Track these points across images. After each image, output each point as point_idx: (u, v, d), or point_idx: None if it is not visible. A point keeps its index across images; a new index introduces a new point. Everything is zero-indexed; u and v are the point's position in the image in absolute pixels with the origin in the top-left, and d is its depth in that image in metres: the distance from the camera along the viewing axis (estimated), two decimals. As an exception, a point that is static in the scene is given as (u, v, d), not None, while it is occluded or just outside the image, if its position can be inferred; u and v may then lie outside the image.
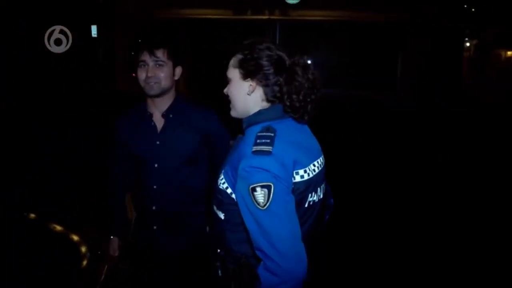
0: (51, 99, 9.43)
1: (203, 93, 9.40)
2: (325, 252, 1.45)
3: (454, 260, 3.15)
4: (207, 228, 1.84)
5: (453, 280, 2.92)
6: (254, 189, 1.11)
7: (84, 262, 1.60)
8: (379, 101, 10.86)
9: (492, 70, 11.23)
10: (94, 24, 11.00)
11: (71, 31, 6.00)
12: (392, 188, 4.71)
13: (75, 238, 1.87)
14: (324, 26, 12.60)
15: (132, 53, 1.84)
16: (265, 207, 1.10)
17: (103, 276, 1.53)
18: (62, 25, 5.87)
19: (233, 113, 1.33)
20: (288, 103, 1.22)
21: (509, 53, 11.26)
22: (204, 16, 11.58)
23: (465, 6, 10.14)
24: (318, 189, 1.28)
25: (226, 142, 1.80)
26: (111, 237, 1.84)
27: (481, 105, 10.07)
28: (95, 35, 10.97)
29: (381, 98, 11.28)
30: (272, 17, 11.54)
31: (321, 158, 1.31)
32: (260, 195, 1.10)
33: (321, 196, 1.31)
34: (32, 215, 2.16)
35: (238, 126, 1.37)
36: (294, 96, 1.20)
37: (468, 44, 11.46)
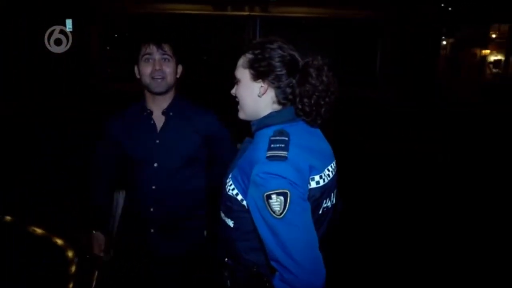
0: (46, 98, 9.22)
1: (183, 89, 9.24)
2: (330, 257, 1.39)
3: (454, 259, 3.17)
4: (205, 232, 1.78)
5: (452, 279, 2.93)
6: (269, 197, 1.04)
7: (73, 268, 1.50)
8: (359, 98, 10.95)
9: (467, 68, 11.49)
10: (68, 18, 10.69)
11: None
12: (382, 185, 4.74)
13: (60, 242, 1.76)
14: (304, 23, 12.61)
15: (135, 45, 1.73)
16: (281, 216, 1.03)
17: (94, 283, 1.43)
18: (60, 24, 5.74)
19: (241, 115, 1.25)
20: (300, 106, 1.15)
21: (484, 51, 11.54)
22: (183, 11, 11.41)
23: (442, 5, 10.32)
24: (332, 194, 1.23)
25: (227, 144, 1.75)
26: (93, 232, 1.78)
27: (455, 104, 10.29)
28: (70, 29, 10.65)
29: (361, 95, 11.38)
30: (252, 13, 11.47)
31: (333, 163, 1.25)
32: (275, 203, 1.03)
33: (334, 202, 1.26)
34: (8, 218, 2.02)
35: (245, 128, 1.30)
36: (306, 100, 1.14)
37: (444, 42, 11.69)
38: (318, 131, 1.26)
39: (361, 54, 12.67)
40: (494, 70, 11.88)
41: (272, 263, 1.07)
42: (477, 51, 11.65)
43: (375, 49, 12.42)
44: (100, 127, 1.83)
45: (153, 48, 1.62)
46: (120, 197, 1.89)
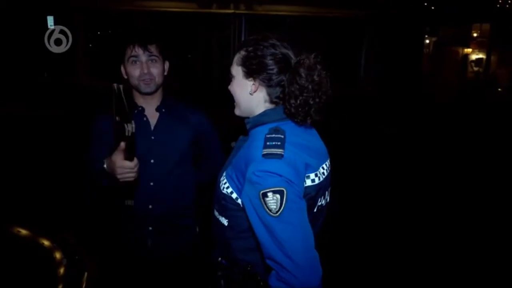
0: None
1: (169, 87, 9.15)
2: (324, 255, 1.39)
3: (450, 257, 3.20)
4: (197, 229, 1.77)
5: (451, 278, 2.96)
6: (265, 195, 1.03)
7: (61, 270, 1.46)
8: (343, 97, 11.04)
9: (449, 66, 11.68)
10: (50, 15, 10.49)
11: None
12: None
13: (46, 243, 1.71)
14: (289, 21, 12.62)
15: (120, 46, 1.70)
16: (278, 214, 1.03)
17: (84, 284, 1.39)
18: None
19: (237, 112, 1.25)
20: (287, 107, 1.15)
21: (466, 50, 11.74)
22: (167, 9, 11.29)
23: (425, 4, 10.45)
24: (326, 192, 1.24)
25: (215, 142, 1.77)
26: (105, 164, 1.54)
27: (437, 101, 10.46)
28: (52, 26, 10.46)
29: (345, 93, 11.46)
30: (237, 11, 11.43)
31: (328, 161, 1.26)
32: (272, 201, 1.03)
33: (328, 200, 1.26)
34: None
35: (239, 126, 1.29)
36: (292, 101, 1.13)
37: (427, 41, 11.84)
38: (313, 130, 1.27)
39: (345, 52, 12.75)
40: (475, 69, 12.09)
41: (268, 261, 1.06)
42: (459, 49, 11.84)
43: (360, 47, 12.52)
44: (86, 129, 1.78)
45: (139, 50, 1.60)
46: None
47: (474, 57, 12.04)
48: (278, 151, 1.06)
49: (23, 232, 1.87)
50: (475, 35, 11.91)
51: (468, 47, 11.93)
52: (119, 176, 1.51)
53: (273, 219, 1.02)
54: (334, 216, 3.73)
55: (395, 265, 3.06)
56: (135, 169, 1.52)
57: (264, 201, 1.03)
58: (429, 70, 11.86)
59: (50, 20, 11.32)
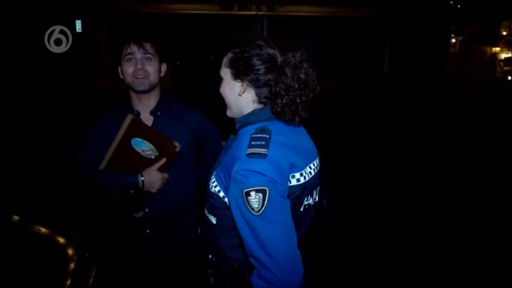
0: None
1: (190, 89, 9.26)
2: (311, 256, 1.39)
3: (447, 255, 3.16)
4: (199, 230, 1.80)
5: (451, 277, 2.92)
6: (248, 194, 1.05)
7: (72, 265, 1.54)
8: (366, 96, 10.91)
9: (477, 66, 11.35)
10: (78, 19, 10.79)
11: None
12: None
13: (61, 240, 1.79)
14: (312, 21, 12.57)
15: (116, 46, 1.73)
16: (260, 213, 1.04)
17: (91, 280, 1.46)
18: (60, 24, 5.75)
19: (229, 113, 1.27)
20: (274, 106, 1.16)
21: (494, 49, 11.39)
22: (190, 11, 11.44)
23: (451, 2, 10.21)
24: (314, 192, 1.23)
25: (216, 142, 1.75)
26: (141, 176, 1.63)
27: (464, 102, 10.19)
28: (80, 31, 10.76)
29: (368, 93, 11.33)
30: (259, 12, 11.47)
31: (317, 160, 1.26)
32: (254, 199, 1.05)
33: (317, 199, 1.26)
34: (16, 217, 2.07)
35: (230, 126, 1.31)
36: (278, 101, 1.14)
37: (454, 40, 11.56)
38: (302, 128, 1.28)
39: (369, 52, 12.60)
40: (505, 68, 11.71)
41: (251, 259, 1.08)
42: (487, 48, 11.50)
43: (383, 47, 12.34)
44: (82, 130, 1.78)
45: (134, 48, 1.62)
46: None
47: (503, 56, 11.66)
48: (262, 150, 1.08)
49: (43, 230, 1.97)
50: (504, 33, 11.54)
51: (497, 46, 11.56)
52: (157, 188, 1.63)
53: (255, 217, 1.04)
54: (345, 215, 3.74)
55: (395, 265, 3.04)
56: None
57: (247, 199, 1.05)
58: (455, 70, 11.58)
59: (78, 24, 11.63)
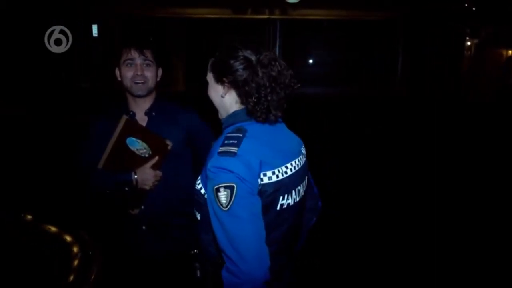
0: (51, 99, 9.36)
1: (202, 92, 9.38)
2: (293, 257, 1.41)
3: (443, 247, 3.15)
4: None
5: (450, 276, 2.92)
6: (218, 190, 1.11)
7: (75, 262, 1.62)
8: (379, 99, 10.86)
9: (492, 68, 11.19)
10: (94, 23, 10.99)
11: (71, 31, 5.97)
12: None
13: (68, 238, 1.88)
14: (325, 25, 12.58)
15: (117, 49, 1.80)
16: (227, 208, 1.10)
17: (93, 276, 1.54)
18: (62, 25, 5.83)
19: (219, 116, 1.33)
20: (247, 106, 1.20)
21: (510, 52, 11.21)
22: (203, 16, 11.56)
23: (466, 5, 10.09)
24: (293, 191, 1.25)
25: (209, 142, 1.78)
26: (134, 176, 1.71)
27: (480, 104, 10.05)
28: (96, 35, 10.97)
29: (383, 95, 11.29)
30: (272, 16, 11.52)
31: (297, 160, 1.28)
32: (223, 195, 1.10)
33: (298, 199, 1.28)
34: (29, 216, 2.18)
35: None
36: (250, 99, 1.18)
37: (469, 43, 11.42)
38: (283, 127, 1.32)
39: (383, 55, 12.54)
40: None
41: (222, 254, 1.14)
42: (503, 51, 11.32)
43: (397, 50, 12.27)
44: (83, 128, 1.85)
45: (135, 54, 1.69)
46: None
47: (519, 59, 11.46)
48: (232, 149, 1.13)
49: (53, 229, 2.07)
50: (520, 36, 11.34)
51: (512, 48, 11.37)
52: (150, 185, 1.71)
53: (223, 213, 1.10)
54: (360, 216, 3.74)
55: (394, 264, 3.04)
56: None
57: (217, 195, 1.10)
58: (470, 72, 11.43)
59: (94, 28, 11.77)
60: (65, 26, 5.78)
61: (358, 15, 11.69)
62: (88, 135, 1.80)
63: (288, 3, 10.31)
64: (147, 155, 1.74)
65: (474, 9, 10.43)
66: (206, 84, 1.33)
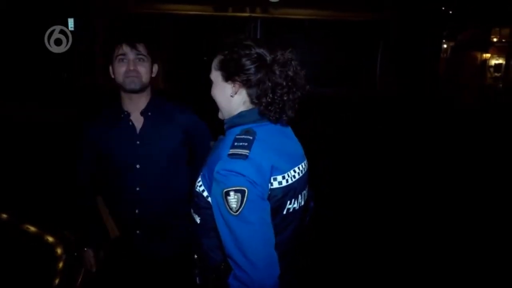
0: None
1: (182, 88, 9.22)
2: (299, 259, 1.39)
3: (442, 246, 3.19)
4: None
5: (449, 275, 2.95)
6: (227, 193, 1.06)
7: (60, 264, 1.53)
8: (359, 99, 10.98)
9: (467, 72, 11.48)
10: (70, 17, 10.70)
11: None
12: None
13: (50, 239, 1.79)
14: (306, 24, 12.62)
15: (109, 45, 1.73)
16: (238, 213, 1.05)
17: (80, 278, 1.46)
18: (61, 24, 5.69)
19: (220, 116, 1.28)
20: (261, 105, 1.16)
21: (484, 55, 11.53)
22: (184, 12, 11.42)
23: (443, 8, 10.32)
24: (299, 196, 1.23)
25: (206, 140, 1.75)
26: (85, 249, 1.73)
27: (455, 107, 10.30)
28: (72, 29, 10.67)
29: (361, 95, 11.40)
30: (253, 14, 11.49)
31: (303, 164, 1.26)
32: (233, 199, 1.05)
33: (302, 203, 1.25)
34: (4, 215, 2.06)
35: (221, 127, 1.32)
36: (264, 99, 1.14)
37: (445, 45, 11.68)
38: (289, 130, 1.28)
39: (362, 56, 12.67)
40: (495, 74, 11.85)
41: (229, 260, 1.09)
42: (478, 54, 11.63)
43: (376, 51, 12.42)
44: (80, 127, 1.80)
45: (126, 49, 1.63)
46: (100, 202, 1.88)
47: (493, 62, 11.80)
48: (244, 151, 1.08)
49: (32, 229, 1.96)
50: (494, 39, 11.69)
51: (487, 52, 11.70)
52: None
53: (233, 217, 1.05)
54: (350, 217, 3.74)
55: (389, 264, 3.06)
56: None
57: (226, 199, 1.05)
58: (446, 75, 11.70)
59: (70, 22, 11.50)
60: (62, 24, 5.63)
61: (339, 15, 11.79)
62: (84, 136, 1.74)
63: (270, 1, 10.31)
64: None
65: (451, 12, 10.68)
66: (209, 83, 1.27)
